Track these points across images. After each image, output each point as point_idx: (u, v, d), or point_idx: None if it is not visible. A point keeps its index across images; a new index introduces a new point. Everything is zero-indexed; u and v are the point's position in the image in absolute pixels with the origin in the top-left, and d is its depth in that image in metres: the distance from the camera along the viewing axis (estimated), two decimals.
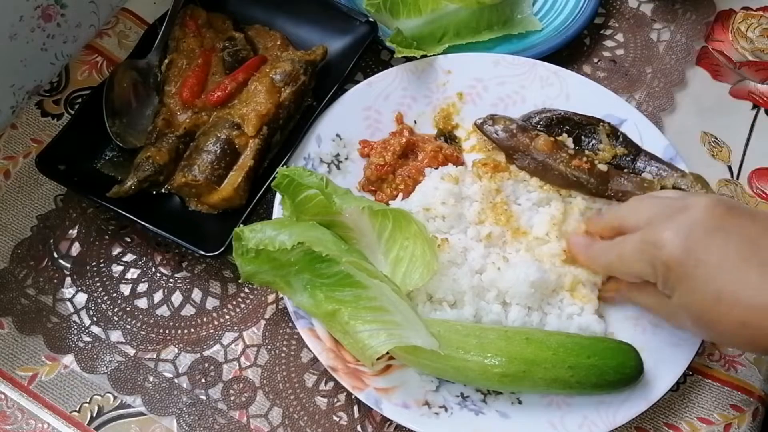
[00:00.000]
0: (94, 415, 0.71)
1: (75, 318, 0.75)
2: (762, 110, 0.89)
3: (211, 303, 0.77)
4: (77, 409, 0.71)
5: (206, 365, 0.74)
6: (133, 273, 0.78)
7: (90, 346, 0.74)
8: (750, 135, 0.87)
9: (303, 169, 0.69)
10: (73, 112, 0.85)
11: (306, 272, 0.67)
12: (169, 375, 0.73)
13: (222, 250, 0.73)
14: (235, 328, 0.75)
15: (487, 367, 0.65)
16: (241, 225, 0.67)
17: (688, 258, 0.57)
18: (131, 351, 0.74)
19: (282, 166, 0.77)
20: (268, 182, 0.76)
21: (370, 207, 0.69)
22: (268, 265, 0.67)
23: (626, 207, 0.69)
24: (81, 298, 0.76)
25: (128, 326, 0.75)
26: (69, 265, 0.78)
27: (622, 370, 0.66)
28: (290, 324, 0.75)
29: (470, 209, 0.75)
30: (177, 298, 0.77)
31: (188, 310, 0.76)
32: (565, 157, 0.77)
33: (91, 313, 0.76)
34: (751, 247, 0.56)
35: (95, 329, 0.75)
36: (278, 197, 0.75)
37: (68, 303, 0.76)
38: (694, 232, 0.57)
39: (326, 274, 0.66)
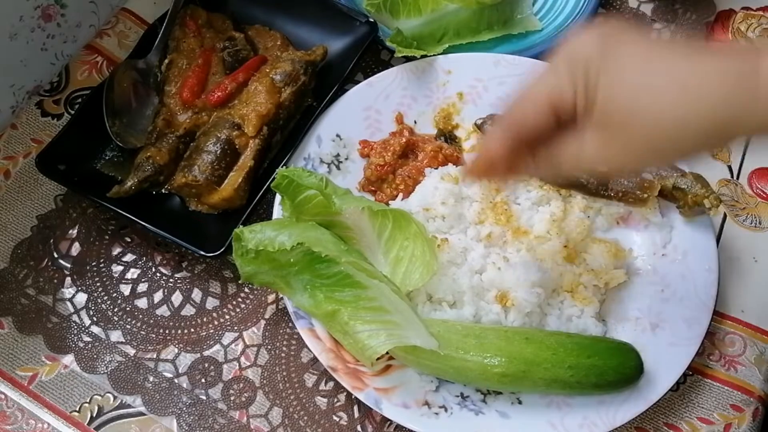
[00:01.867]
0: (94, 415, 0.71)
1: (75, 318, 0.75)
2: None
3: (211, 303, 0.77)
4: (77, 409, 0.71)
5: (206, 365, 0.74)
6: (133, 273, 0.78)
7: (90, 346, 0.74)
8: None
9: (302, 169, 0.69)
10: (73, 112, 0.85)
11: (306, 273, 0.67)
12: (169, 375, 0.73)
13: (222, 250, 0.73)
14: (235, 328, 0.75)
15: (487, 367, 0.65)
16: (241, 226, 0.67)
17: (606, 53, 0.51)
18: (131, 351, 0.74)
19: (282, 166, 0.77)
20: (268, 182, 0.76)
21: (370, 207, 0.69)
22: (267, 266, 0.67)
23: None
24: (81, 298, 0.76)
25: (128, 326, 0.75)
26: (69, 265, 0.78)
27: (622, 370, 0.66)
28: (290, 324, 0.75)
29: (470, 209, 0.75)
30: (177, 298, 0.77)
31: (188, 310, 0.76)
32: None
33: (91, 313, 0.76)
34: (676, 45, 0.53)
35: (95, 329, 0.75)
36: (278, 197, 0.75)
37: (68, 303, 0.76)
38: (605, 34, 0.52)
39: (326, 275, 0.66)
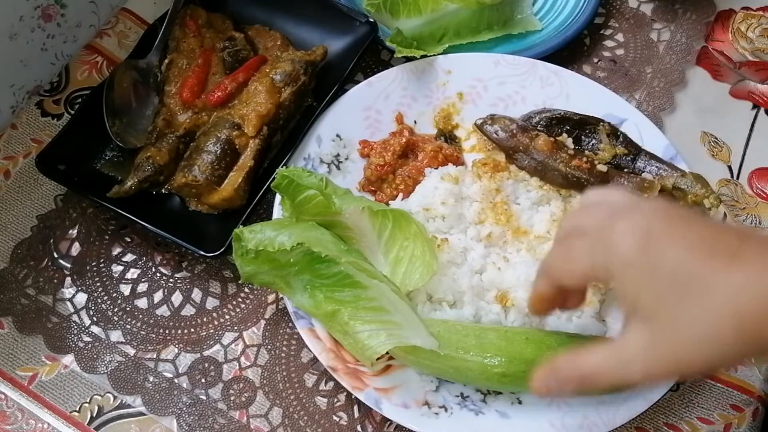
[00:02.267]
0: (94, 415, 0.71)
1: (75, 318, 0.75)
2: (762, 110, 0.89)
3: (211, 303, 0.77)
4: (77, 409, 0.71)
5: (206, 365, 0.74)
6: (133, 273, 0.78)
7: (90, 346, 0.74)
8: (750, 135, 0.87)
9: (302, 169, 0.69)
10: (73, 112, 0.85)
11: (306, 273, 0.67)
12: (169, 375, 0.73)
13: (222, 250, 0.73)
14: (235, 328, 0.75)
15: (487, 367, 0.65)
16: (241, 226, 0.67)
17: (650, 252, 0.49)
18: (131, 351, 0.74)
19: (282, 166, 0.77)
20: (268, 182, 0.76)
21: (370, 207, 0.69)
22: (267, 266, 0.67)
23: (576, 212, 0.62)
24: (81, 298, 0.76)
25: (128, 326, 0.75)
26: (69, 265, 0.78)
27: None
28: (290, 324, 0.75)
29: (470, 209, 0.75)
30: (177, 298, 0.77)
31: (188, 310, 0.76)
32: (565, 157, 0.77)
33: (91, 313, 0.76)
34: (715, 243, 0.49)
35: (95, 329, 0.75)
36: (278, 197, 0.75)
37: (68, 303, 0.76)
38: (653, 227, 0.50)
39: (326, 275, 0.66)
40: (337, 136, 0.81)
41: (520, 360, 0.65)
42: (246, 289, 0.77)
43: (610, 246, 0.51)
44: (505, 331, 0.68)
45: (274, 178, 0.70)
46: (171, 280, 0.78)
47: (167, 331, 0.75)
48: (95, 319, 0.75)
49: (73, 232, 0.80)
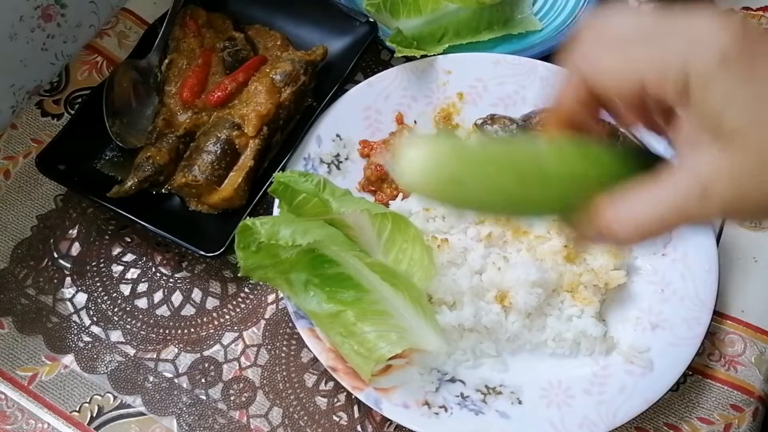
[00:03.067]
0: (94, 415, 0.71)
1: (75, 318, 0.75)
2: None
3: (211, 303, 0.77)
4: (77, 409, 0.71)
5: (206, 365, 0.74)
6: (133, 273, 0.78)
7: (90, 346, 0.74)
8: None
9: (299, 174, 0.68)
10: (73, 112, 0.85)
11: (305, 271, 0.67)
12: (169, 375, 0.73)
13: (222, 250, 0.73)
14: (235, 328, 0.75)
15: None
16: (249, 217, 0.66)
17: (755, 50, 0.38)
18: (131, 351, 0.74)
19: (282, 166, 0.77)
20: (268, 183, 0.76)
21: (369, 210, 0.68)
22: (268, 261, 0.66)
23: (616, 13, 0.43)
24: (81, 298, 0.76)
25: (128, 326, 0.75)
26: (69, 265, 0.78)
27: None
28: (290, 324, 0.75)
29: None
30: (177, 298, 0.77)
31: (188, 310, 0.76)
32: None
33: (91, 313, 0.76)
34: None
35: (95, 329, 0.75)
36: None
37: (68, 303, 0.76)
38: (750, 28, 0.38)
39: (327, 275, 0.66)
40: (337, 136, 0.81)
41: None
42: (246, 289, 0.77)
43: (694, 41, 0.38)
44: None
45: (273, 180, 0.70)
46: (171, 280, 0.78)
47: (167, 331, 0.75)
48: (95, 319, 0.75)
49: (73, 232, 0.80)
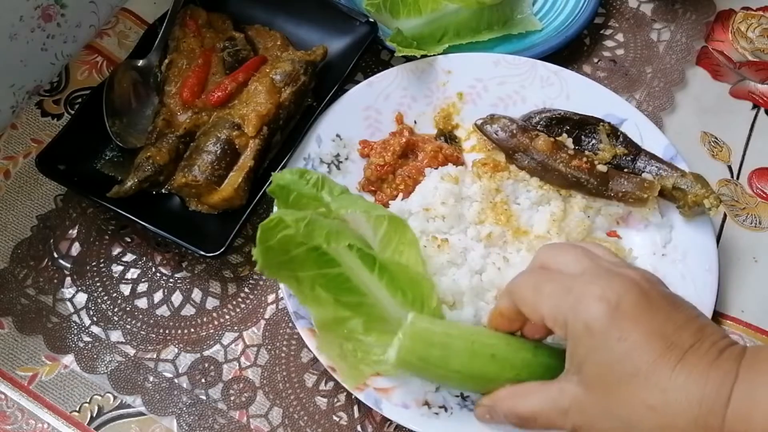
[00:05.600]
0: (94, 415, 0.71)
1: (75, 318, 0.75)
2: (762, 110, 0.89)
3: (211, 303, 0.77)
4: (77, 409, 0.71)
5: (206, 365, 0.74)
6: (133, 273, 0.78)
7: (90, 346, 0.74)
8: (750, 135, 0.87)
9: (298, 175, 0.68)
10: (73, 112, 0.85)
11: (313, 269, 0.66)
12: (169, 375, 0.73)
13: (222, 250, 0.73)
14: (235, 328, 0.75)
15: (447, 379, 0.65)
16: (278, 209, 0.64)
17: (611, 329, 0.53)
18: (131, 351, 0.74)
19: (282, 165, 0.77)
20: (268, 182, 0.76)
21: (367, 212, 0.67)
22: (282, 257, 0.64)
23: (561, 246, 0.64)
24: (81, 298, 0.76)
25: (128, 326, 0.75)
26: (69, 265, 0.78)
27: None
28: (290, 324, 0.75)
29: (470, 209, 0.75)
30: (177, 298, 0.77)
31: (188, 310, 0.76)
32: (565, 158, 0.77)
33: (91, 313, 0.76)
34: (673, 337, 0.52)
35: (95, 329, 0.75)
36: None
37: (68, 303, 0.76)
38: (624, 302, 0.53)
39: (329, 275, 0.66)
40: (337, 136, 0.81)
41: (479, 377, 0.62)
42: (246, 289, 0.77)
43: (577, 305, 0.54)
44: (472, 342, 0.62)
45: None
46: (171, 280, 0.78)
47: (167, 331, 0.75)
48: (95, 319, 0.75)
49: (73, 232, 0.80)
